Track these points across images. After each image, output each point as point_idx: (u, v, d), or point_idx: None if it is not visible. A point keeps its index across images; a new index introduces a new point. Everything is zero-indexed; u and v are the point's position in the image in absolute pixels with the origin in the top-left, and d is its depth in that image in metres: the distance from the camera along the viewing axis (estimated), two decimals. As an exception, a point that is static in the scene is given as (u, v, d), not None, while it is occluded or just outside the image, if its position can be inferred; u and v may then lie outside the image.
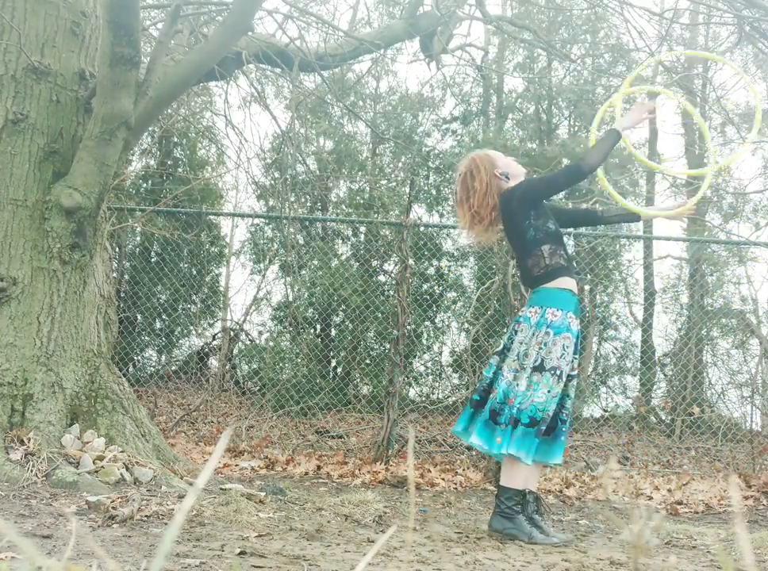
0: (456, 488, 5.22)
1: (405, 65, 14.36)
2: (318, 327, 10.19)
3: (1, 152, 4.17)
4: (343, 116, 11.27)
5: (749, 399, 8.02)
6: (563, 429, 3.48)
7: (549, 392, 3.35)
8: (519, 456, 3.30)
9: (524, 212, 3.47)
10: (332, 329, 10.30)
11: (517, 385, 3.38)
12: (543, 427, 3.34)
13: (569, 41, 10.67)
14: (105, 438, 4.06)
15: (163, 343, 10.11)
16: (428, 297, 9.98)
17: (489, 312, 7.02)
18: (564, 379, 3.41)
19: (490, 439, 3.38)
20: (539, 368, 3.36)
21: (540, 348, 3.37)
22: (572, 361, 3.46)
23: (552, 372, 3.36)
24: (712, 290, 9.78)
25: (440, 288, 10.33)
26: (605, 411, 9.10)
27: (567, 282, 3.48)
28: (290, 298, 8.53)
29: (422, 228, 9.18)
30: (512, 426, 3.33)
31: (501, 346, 3.56)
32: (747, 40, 6.06)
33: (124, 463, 3.87)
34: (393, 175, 11.39)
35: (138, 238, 10.19)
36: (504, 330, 8.80)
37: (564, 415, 3.48)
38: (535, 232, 3.47)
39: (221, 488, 3.73)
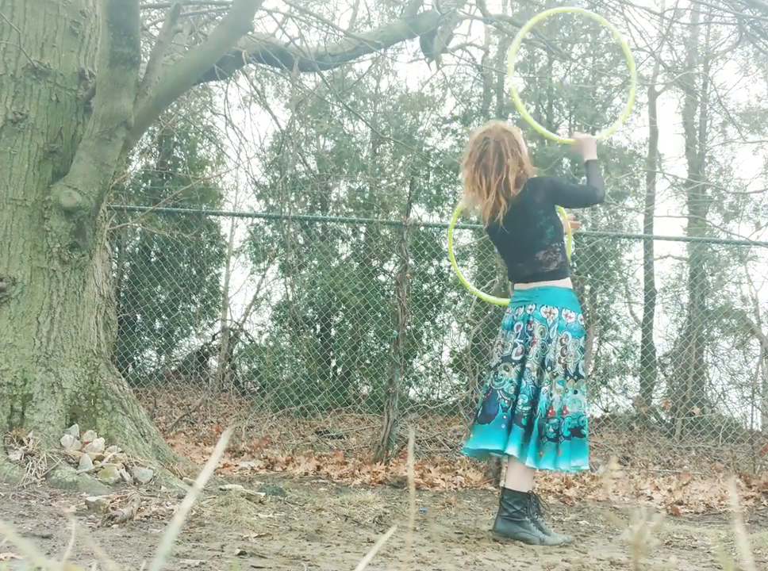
0: (456, 489, 5.22)
1: (405, 65, 14.36)
2: (318, 327, 10.18)
3: (1, 152, 4.17)
4: (344, 116, 11.26)
5: (749, 399, 8.01)
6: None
7: (584, 395, 3.38)
8: (576, 466, 3.31)
9: (548, 208, 3.47)
10: (332, 329, 10.29)
11: (551, 394, 3.32)
12: (586, 433, 3.35)
13: (569, 41, 10.65)
14: (105, 439, 4.05)
15: (163, 343, 10.10)
16: (428, 297, 9.97)
17: (489, 312, 7.02)
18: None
19: (535, 456, 3.30)
20: (570, 375, 3.36)
21: (565, 355, 3.35)
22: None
23: (578, 377, 3.39)
24: (713, 290, 9.77)
25: (440, 288, 10.32)
26: (606, 411, 9.09)
27: (570, 283, 3.52)
28: (290, 298, 8.52)
29: (422, 228, 9.17)
30: (558, 439, 3.30)
31: (515, 351, 3.41)
32: (748, 40, 6.05)
33: (123, 463, 3.86)
34: (393, 175, 11.38)
35: (138, 238, 10.18)
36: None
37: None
38: (555, 230, 3.47)
39: (221, 489, 3.73)
